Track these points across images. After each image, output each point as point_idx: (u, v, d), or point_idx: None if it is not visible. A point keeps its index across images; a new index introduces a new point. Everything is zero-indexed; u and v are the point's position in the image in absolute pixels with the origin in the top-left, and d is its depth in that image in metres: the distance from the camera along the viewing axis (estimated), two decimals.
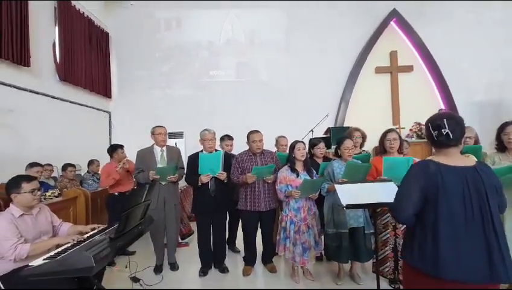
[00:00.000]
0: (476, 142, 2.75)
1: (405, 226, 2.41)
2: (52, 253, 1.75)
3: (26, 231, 1.91)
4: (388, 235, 2.53)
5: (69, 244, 1.86)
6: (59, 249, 1.80)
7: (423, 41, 6.52)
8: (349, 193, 2.07)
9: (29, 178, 1.96)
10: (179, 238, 3.72)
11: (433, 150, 2.43)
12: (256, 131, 2.96)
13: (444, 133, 1.29)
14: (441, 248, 1.19)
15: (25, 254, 1.79)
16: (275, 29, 6.93)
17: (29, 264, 1.63)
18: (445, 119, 1.30)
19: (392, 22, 6.62)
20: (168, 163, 3.04)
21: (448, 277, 1.17)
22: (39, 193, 2.01)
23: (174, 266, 3.12)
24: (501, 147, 2.29)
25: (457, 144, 1.32)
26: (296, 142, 2.78)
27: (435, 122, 1.33)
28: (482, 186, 1.22)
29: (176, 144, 5.15)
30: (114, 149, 3.66)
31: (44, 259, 1.66)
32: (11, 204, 1.93)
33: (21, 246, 1.79)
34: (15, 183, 1.91)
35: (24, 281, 1.63)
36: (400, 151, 2.67)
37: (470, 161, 1.33)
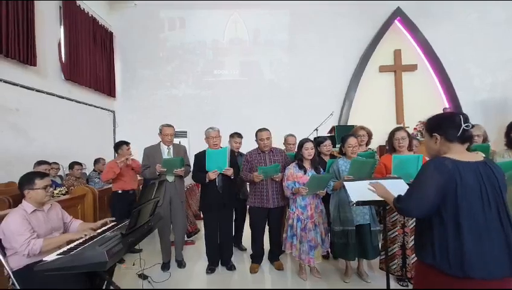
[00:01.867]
0: (485, 140, 2.74)
1: (414, 224, 2.44)
2: (65, 248, 1.77)
3: (38, 226, 1.92)
4: (396, 233, 2.54)
5: (81, 240, 1.88)
6: (72, 245, 1.81)
7: (427, 40, 6.51)
8: (358, 190, 2.06)
9: (42, 175, 1.98)
10: (185, 236, 3.73)
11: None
12: (264, 129, 2.97)
13: (471, 127, 1.30)
14: (466, 246, 1.16)
15: (38, 249, 1.81)
16: (279, 28, 6.94)
17: (43, 259, 1.64)
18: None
19: (396, 21, 6.62)
20: None
21: (475, 276, 1.14)
22: (51, 189, 2.03)
23: (181, 264, 3.14)
24: (510, 144, 2.30)
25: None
26: (305, 140, 2.78)
27: (464, 115, 1.31)
28: (495, 180, 1.23)
29: (179, 142, 5.16)
30: (119, 145, 3.66)
31: (57, 254, 1.68)
32: (23, 200, 1.94)
33: (34, 241, 1.81)
34: (28, 179, 1.93)
35: (37, 276, 1.65)
36: (410, 149, 2.67)
37: (479, 156, 1.33)
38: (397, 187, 2.03)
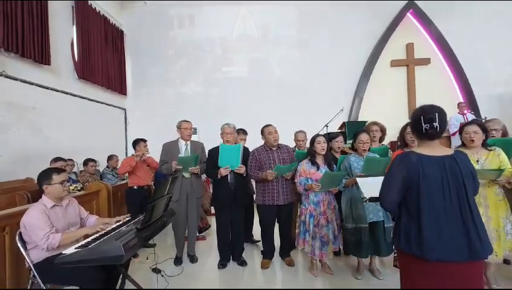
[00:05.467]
0: (504, 134, 2.65)
1: None
2: (83, 242, 1.82)
3: (56, 221, 1.99)
4: None
5: (97, 235, 1.93)
6: (89, 239, 1.86)
7: (441, 33, 6.34)
8: (372, 186, 2.04)
9: (59, 170, 2.05)
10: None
11: (459, 141, 2.38)
12: (269, 124, 3.03)
13: (435, 127, 1.38)
14: (424, 230, 1.29)
15: (57, 243, 1.87)
16: (288, 24, 6.89)
17: (62, 252, 1.69)
18: (436, 113, 1.39)
19: (408, 14, 6.47)
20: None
21: (431, 258, 1.27)
22: (68, 184, 2.09)
23: (193, 259, 3.19)
24: None
25: (441, 137, 1.43)
26: (316, 135, 2.77)
27: (427, 115, 1.39)
28: (458, 172, 1.33)
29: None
30: (137, 142, 3.76)
31: (76, 248, 1.73)
32: (43, 195, 2.01)
33: (53, 236, 1.87)
34: (46, 175, 2.00)
35: (57, 268, 1.71)
36: None
37: (449, 150, 1.43)
38: None
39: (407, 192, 1.37)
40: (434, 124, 1.37)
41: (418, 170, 1.33)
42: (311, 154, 2.75)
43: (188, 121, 3.20)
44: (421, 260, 1.30)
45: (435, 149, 1.40)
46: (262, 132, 3.03)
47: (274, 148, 2.98)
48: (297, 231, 2.83)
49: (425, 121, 1.38)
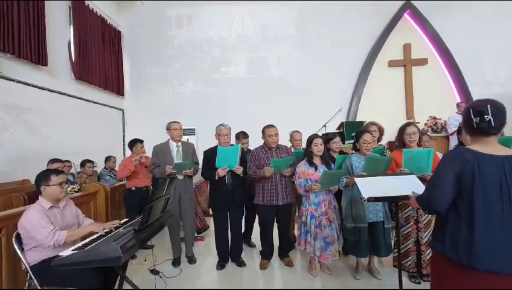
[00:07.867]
0: (501, 134, 2.68)
1: (428, 219, 2.43)
2: (80, 244, 1.81)
3: (55, 222, 1.96)
4: (410, 228, 2.51)
5: (94, 236, 1.92)
6: (86, 240, 1.85)
7: (438, 34, 6.36)
8: (370, 186, 2.04)
9: (57, 172, 2.04)
10: (195, 233, 3.76)
11: (457, 141, 2.38)
12: (272, 125, 2.99)
13: (486, 120, 1.22)
14: (476, 237, 1.15)
15: (63, 240, 1.85)
16: (286, 24, 6.89)
17: (59, 254, 1.68)
18: (489, 105, 1.23)
19: (405, 14, 6.49)
20: (183, 158, 3.09)
21: (481, 267, 1.14)
22: (66, 186, 2.08)
23: (191, 260, 3.17)
24: None
25: (497, 133, 1.26)
26: (314, 136, 2.76)
27: (477, 107, 1.25)
28: None
29: (187, 140, 5.20)
30: (133, 143, 3.72)
31: (73, 250, 1.72)
32: (40, 197, 1.99)
33: (59, 233, 1.85)
34: (44, 176, 1.98)
35: (53, 270, 1.69)
36: (419, 144, 2.64)
37: (509, 150, 1.27)
38: (409, 182, 2.02)
39: (459, 193, 1.22)
40: (485, 116, 1.21)
41: (473, 169, 1.18)
42: (308, 155, 2.75)
43: (177, 122, 3.15)
44: (466, 268, 1.17)
45: (492, 147, 1.24)
46: (263, 131, 3.02)
47: (273, 149, 2.99)
48: (297, 232, 2.82)
49: (475, 114, 1.24)
